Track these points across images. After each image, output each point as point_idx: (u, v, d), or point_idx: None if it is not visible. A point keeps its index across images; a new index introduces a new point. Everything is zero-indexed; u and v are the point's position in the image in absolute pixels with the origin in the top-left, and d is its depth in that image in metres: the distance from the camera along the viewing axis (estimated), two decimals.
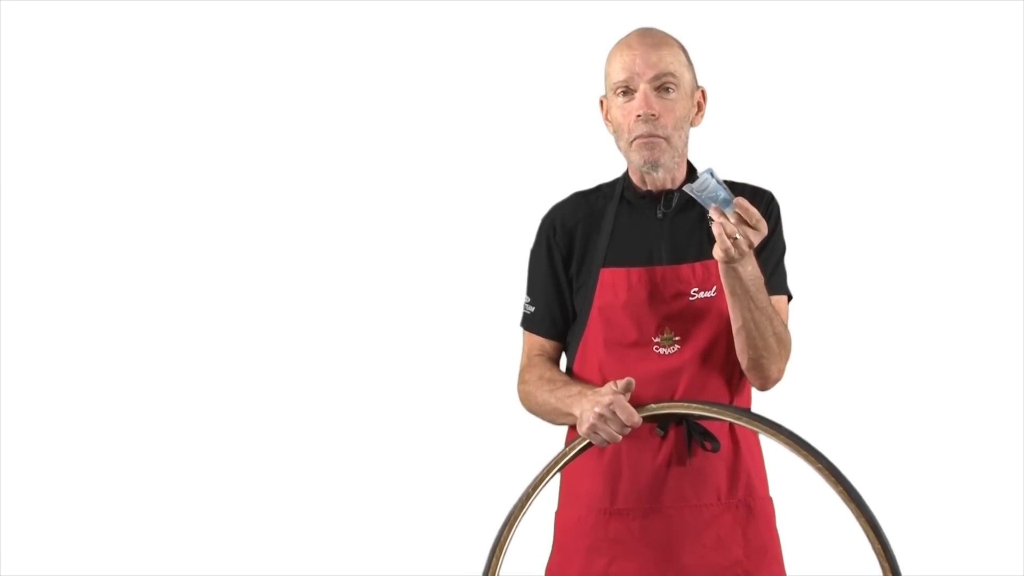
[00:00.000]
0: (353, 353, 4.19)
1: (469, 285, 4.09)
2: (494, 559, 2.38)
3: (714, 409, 2.29)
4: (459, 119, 4.21)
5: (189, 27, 4.22)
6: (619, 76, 2.44)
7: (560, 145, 4.05)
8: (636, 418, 2.29)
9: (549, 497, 2.60)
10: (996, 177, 4.13)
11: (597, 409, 2.29)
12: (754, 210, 2.22)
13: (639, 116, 2.41)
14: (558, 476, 2.56)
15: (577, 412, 2.36)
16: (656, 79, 2.41)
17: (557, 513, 2.57)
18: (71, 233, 4.21)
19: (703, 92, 2.51)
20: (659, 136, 2.42)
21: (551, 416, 2.49)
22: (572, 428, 2.51)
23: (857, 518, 2.05)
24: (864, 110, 4.15)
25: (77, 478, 4.14)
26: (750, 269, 2.29)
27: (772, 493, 2.54)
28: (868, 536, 2.04)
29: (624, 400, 2.29)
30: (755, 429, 2.26)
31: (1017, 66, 4.10)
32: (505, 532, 2.39)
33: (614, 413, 2.28)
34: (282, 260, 4.23)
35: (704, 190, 2.22)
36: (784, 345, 2.42)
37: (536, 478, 2.40)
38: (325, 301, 4.22)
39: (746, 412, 2.32)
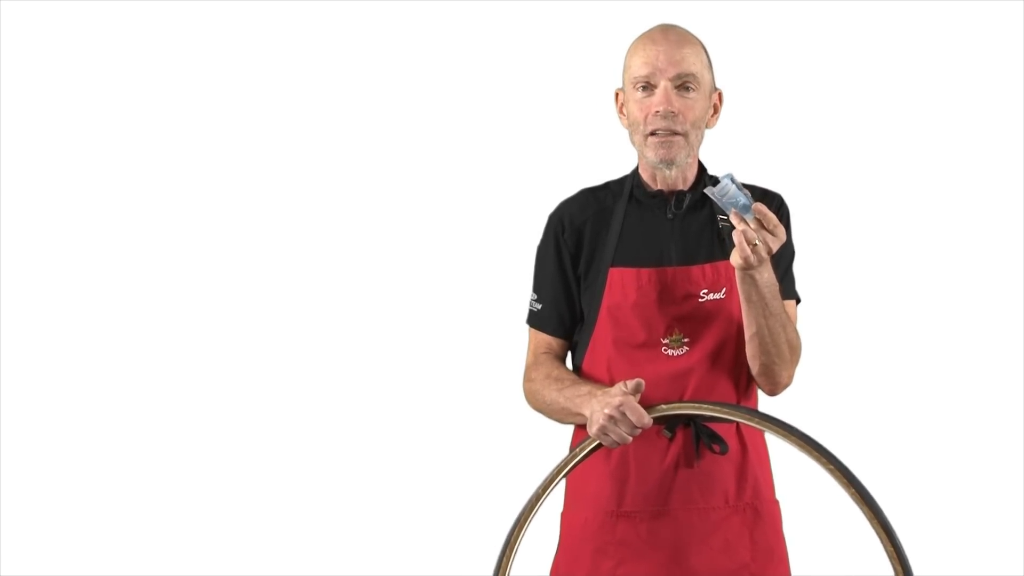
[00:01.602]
0: (359, 353, 4.18)
1: (475, 283, 4.08)
2: (504, 559, 2.37)
3: (724, 410, 2.29)
4: (465, 117, 4.21)
5: (189, 27, 4.21)
6: (640, 71, 2.42)
7: (565, 142, 4.05)
8: (646, 419, 2.28)
9: (555, 498, 2.59)
10: (1004, 181, 4.13)
11: (607, 411, 2.28)
12: (773, 216, 2.22)
13: (658, 112, 2.40)
14: (565, 477, 2.56)
15: (587, 412, 2.34)
16: (678, 78, 2.40)
17: (563, 514, 2.56)
18: (71, 233, 4.20)
19: (720, 94, 2.50)
20: (677, 133, 2.41)
21: (558, 415, 2.48)
22: (579, 428, 2.51)
23: (869, 520, 2.04)
24: (872, 113, 4.15)
25: (77, 478, 4.13)
26: (766, 276, 2.30)
27: (778, 496, 2.54)
28: (881, 538, 2.03)
29: (634, 401, 2.28)
30: (766, 430, 2.25)
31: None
32: (515, 533, 2.38)
33: (624, 414, 2.28)
34: (289, 260, 4.23)
35: (725, 195, 2.21)
36: (795, 351, 2.43)
37: (545, 480, 2.39)
38: (331, 301, 4.21)
39: (757, 413, 2.31)
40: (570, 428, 2.56)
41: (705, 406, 2.31)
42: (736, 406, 2.37)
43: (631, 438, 2.30)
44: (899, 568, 1.99)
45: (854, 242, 4.11)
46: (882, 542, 2.02)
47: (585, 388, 2.39)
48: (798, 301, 2.55)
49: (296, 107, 4.24)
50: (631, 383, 2.29)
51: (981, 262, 4.12)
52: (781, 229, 2.24)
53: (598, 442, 2.34)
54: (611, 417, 2.28)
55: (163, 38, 4.21)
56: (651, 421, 2.29)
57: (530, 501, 2.37)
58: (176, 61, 4.22)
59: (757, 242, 2.22)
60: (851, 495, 2.07)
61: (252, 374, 4.19)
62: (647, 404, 2.32)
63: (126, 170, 4.23)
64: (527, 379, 2.56)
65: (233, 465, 4.14)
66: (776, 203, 2.51)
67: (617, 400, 2.28)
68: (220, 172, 4.24)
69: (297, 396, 4.18)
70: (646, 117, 2.42)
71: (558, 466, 2.39)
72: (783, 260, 2.49)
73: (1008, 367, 4.09)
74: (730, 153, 2.79)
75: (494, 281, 3.88)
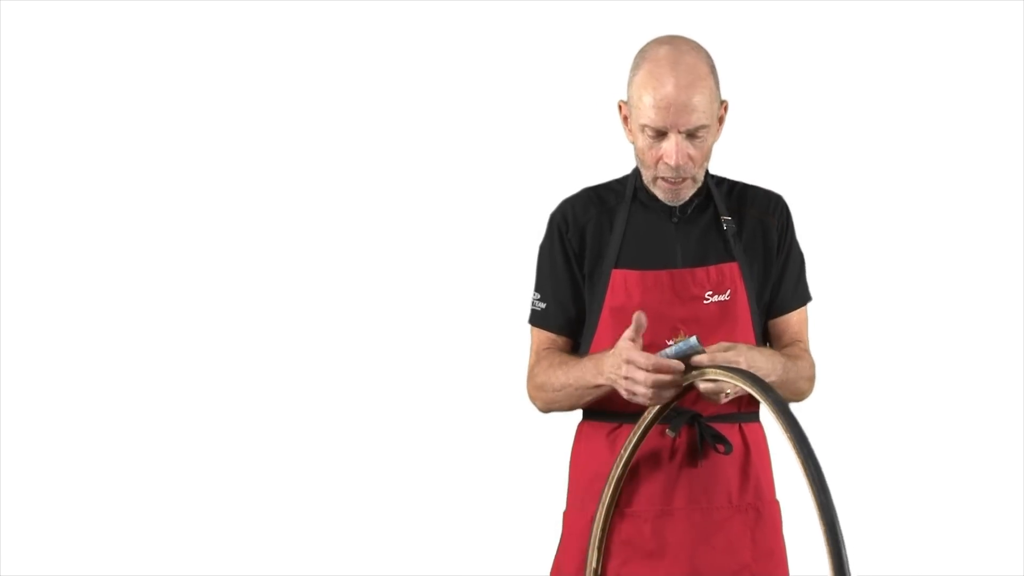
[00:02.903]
0: (357, 353, 4.17)
1: (474, 281, 4.09)
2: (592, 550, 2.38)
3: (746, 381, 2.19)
4: (463, 117, 4.20)
5: (189, 27, 4.20)
6: (650, 119, 2.35)
7: (564, 140, 4.05)
8: (651, 361, 2.23)
9: (556, 496, 2.60)
10: (1001, 181, 4.15)
11: (621, 377, 2.26)
12: (710, 358, 2.24)
13: (668, 163, 2.38)
14: (567, 477, 2.56)
15: (604, 381, 2.32)
16: (688, 129, 2.35)
17: (566, 513, 2.56)
18: (71, 233, 4.19)
19: (725, 105, 2.45)
20: (687, 178, 2.41)
21: (573, 398, 2.44)
22: (583, 423, 2.52)
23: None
24: (872, 113, 4.17)
25: (77, 478, 4.12)
26: (773, 378, 2.31)
27: (778, 496, 2.55)
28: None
29: (636, 353, 2.24)
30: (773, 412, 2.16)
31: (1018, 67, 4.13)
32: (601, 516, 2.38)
33: (633, 373, 2.25)
34: (287, 262, 4.22)
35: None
36: (812, 380, 2.49)
37: (620, 455, 2.38)
38: (331, 301, 4.20)
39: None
40: (572, 428, 2.56)
41: (722, 371, 2.22)
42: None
43: (662, 388, 2.26)
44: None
45: (857, 241, 4.13)
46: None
47: (591, 361, 2.37)
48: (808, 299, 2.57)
49: (296, 109, 4.22)
50: (630, 330, 2.26)
51: (982, 262, 4.14)
52: (731, 359, 2.24)
53: (655, 409, 2.33)
54: (627, 379, 2.26)
55: (163, 38, 4.20)
56: (664, 362, 2.24)
57: (609, 484, 2.38)
58: (176, 61, 4.21)
59: (728, 392, 2.25)
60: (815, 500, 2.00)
61: (253, 376, 4.18)
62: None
63: (126, 171, 4.22)
64: (530, 378, 2.53)
65: (236, 466, 4.14)
66: (775, 204, 2.53)
67: (623, 370, 2.25)
68: (221, 173, 4.23)
69: (297, 396, 4.18)
70: (656, 163, 2.40)
71: (625, 444, 2.37)
72: (794, 268, 2.52)
73: (1009, 366, 4.10)
74: (735, 154, 2.81)
75: (493, 280, 3.90)
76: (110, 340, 4.19)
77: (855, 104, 4.17)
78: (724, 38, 2.88)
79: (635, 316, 2.27)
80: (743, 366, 2.24)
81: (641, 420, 2.37)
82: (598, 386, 2.36)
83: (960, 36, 4.13)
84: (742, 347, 2.29)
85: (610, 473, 2.40)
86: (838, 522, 1.93)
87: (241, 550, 4.08)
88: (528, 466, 3.79)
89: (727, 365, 2.22)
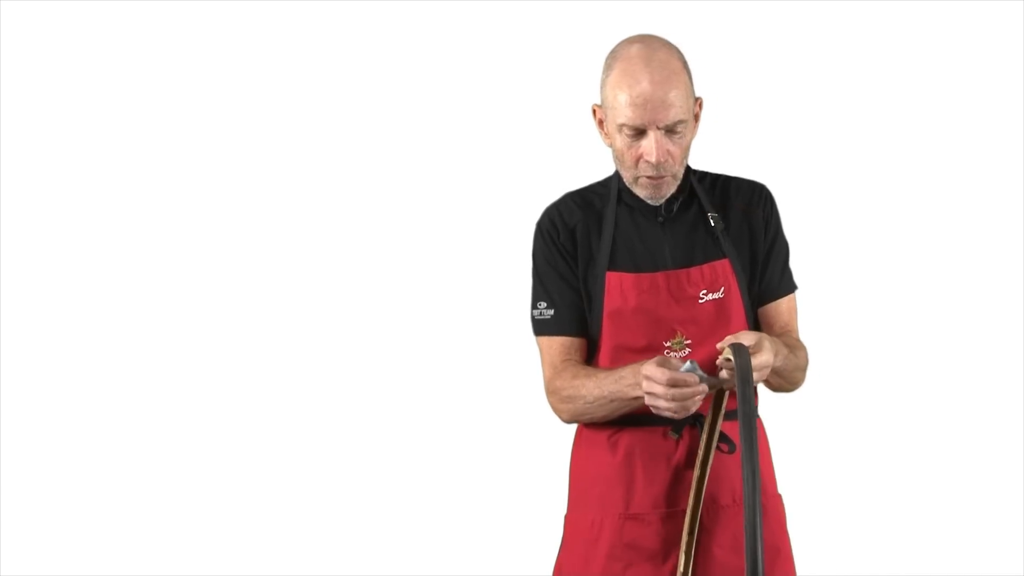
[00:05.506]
0: (351, 360, 4.18)
1: (470, 284, 4.08)
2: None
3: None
4: (437, 122, 4.20)
5: (189, 27, 4.18)
6: (627, 118, 2.34)
7: (536, 146, 4.06)
8: (668, 378, 2.22)
9: (556, 498, 2.61)
10: (995, 175, 4.15)
11: (647, 399, 2.24)
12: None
13: (648, 161, 2.37)
14: (567, 480, 2.55)
15: (639, 392, 2.28)
16: (667, 126, 2.34)
17: (567, 515, 2.55)
18: (71, 233, 4.19)
19: (700, 102, 2.43)
20: (667, 175, 2.39)
21: (607, 409, 2.39)
22: (581, 427, 2.51)
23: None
24: (861, 107, 4.16)
25: (77, 478, 4.13)
26: (779, 359, 2.28)
27: (780, 491, 2.54)
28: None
29: (653, 372, 2.22)
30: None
31: (1017, 66, 4.11)
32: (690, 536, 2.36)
33: (654, 393, 2.23)
34: (275, 267, 4.22)
35: None
36: (805, 368, 2.46)
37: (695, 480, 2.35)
38: (329, 307, 4.20)
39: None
40: (572, 430, 2.56)
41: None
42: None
43: (683, 401, 2.23)
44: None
45: (848, 235, 4.13)
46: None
47: (622, 372, 2.33)
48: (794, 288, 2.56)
49: (284, 116, 4.22)
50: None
51: (970, 257, 4.14)
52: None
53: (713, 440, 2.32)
54: (648, 393, 2.24)
55: (163, 38, 4.18)
56: (681, 377, 2.22)
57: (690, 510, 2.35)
58: (176, 61, 4.20)
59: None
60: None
61: (256, 383, 4.19)
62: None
63: (126, 171, 4.21)
64: (552, 392, 2.47)
65: (239, 469, 4.15)
66: (760, 194, 2.52)
67: (644, 384, 2.24)
68: (220, 176, 4.22)
69: (297, 402, 4.19)
70: (637, 162, 2.39)
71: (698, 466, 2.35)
72: (779, 258, 2.51)
73: (998, 362, 4.11)
74: (717, 146, 2.80)
75: (491, 284, 3.91)
76: (109, 340, 4.19)
77: (840, 97, 4.16)
78: (708, 34, 2.87)
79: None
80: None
81: (704, 434, 2.34)
82: (636, 397, 2.31)
83: (943, 27, 4.13)
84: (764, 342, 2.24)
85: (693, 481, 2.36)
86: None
87: (241, 550, 4.09)
88: (529, 468, 3.81)
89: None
